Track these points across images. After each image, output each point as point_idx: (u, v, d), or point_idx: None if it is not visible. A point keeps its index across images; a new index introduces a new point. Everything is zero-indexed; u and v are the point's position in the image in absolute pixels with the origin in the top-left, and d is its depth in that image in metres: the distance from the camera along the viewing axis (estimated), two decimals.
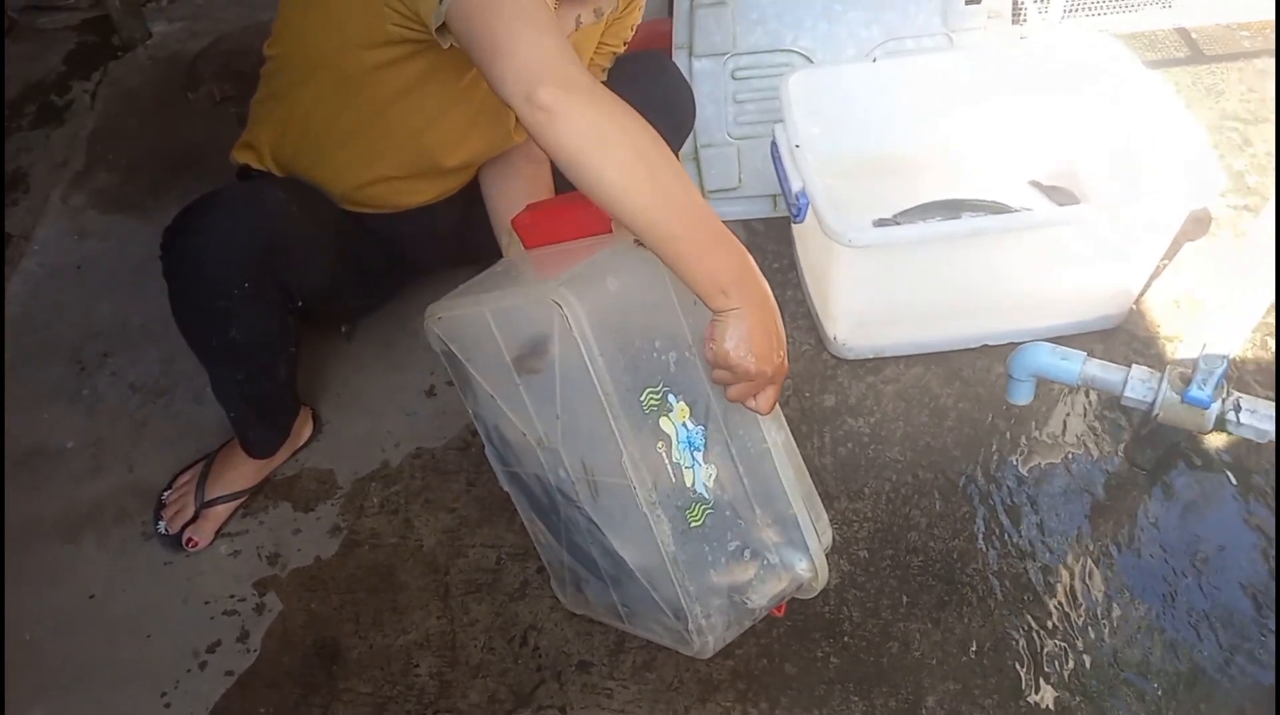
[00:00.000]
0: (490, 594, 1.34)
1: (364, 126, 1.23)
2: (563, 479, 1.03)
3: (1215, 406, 1.09)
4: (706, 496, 0.99)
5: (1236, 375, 1.50)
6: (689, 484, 0.98)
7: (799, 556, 1.05)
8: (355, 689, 1.26)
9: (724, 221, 1.71)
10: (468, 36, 0.95)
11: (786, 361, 0.97)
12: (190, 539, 1.40)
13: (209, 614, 1.35)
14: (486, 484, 1.46)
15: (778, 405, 1.00)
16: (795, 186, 1.40)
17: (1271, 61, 2.08)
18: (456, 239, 1.48)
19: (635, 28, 1.40)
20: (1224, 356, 1.06)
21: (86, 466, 1.54)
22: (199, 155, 2.06)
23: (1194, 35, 2.14)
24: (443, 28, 0.98)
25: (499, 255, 1.60)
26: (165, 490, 1.46)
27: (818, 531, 1.06)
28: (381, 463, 1.50)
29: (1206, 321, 1.27)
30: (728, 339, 0.92)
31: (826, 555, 1.09)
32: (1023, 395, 1.26)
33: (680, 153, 1.60)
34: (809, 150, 1.43)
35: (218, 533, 1.43)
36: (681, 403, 0.97)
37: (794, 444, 1.05)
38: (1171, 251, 1.67)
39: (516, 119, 1.26)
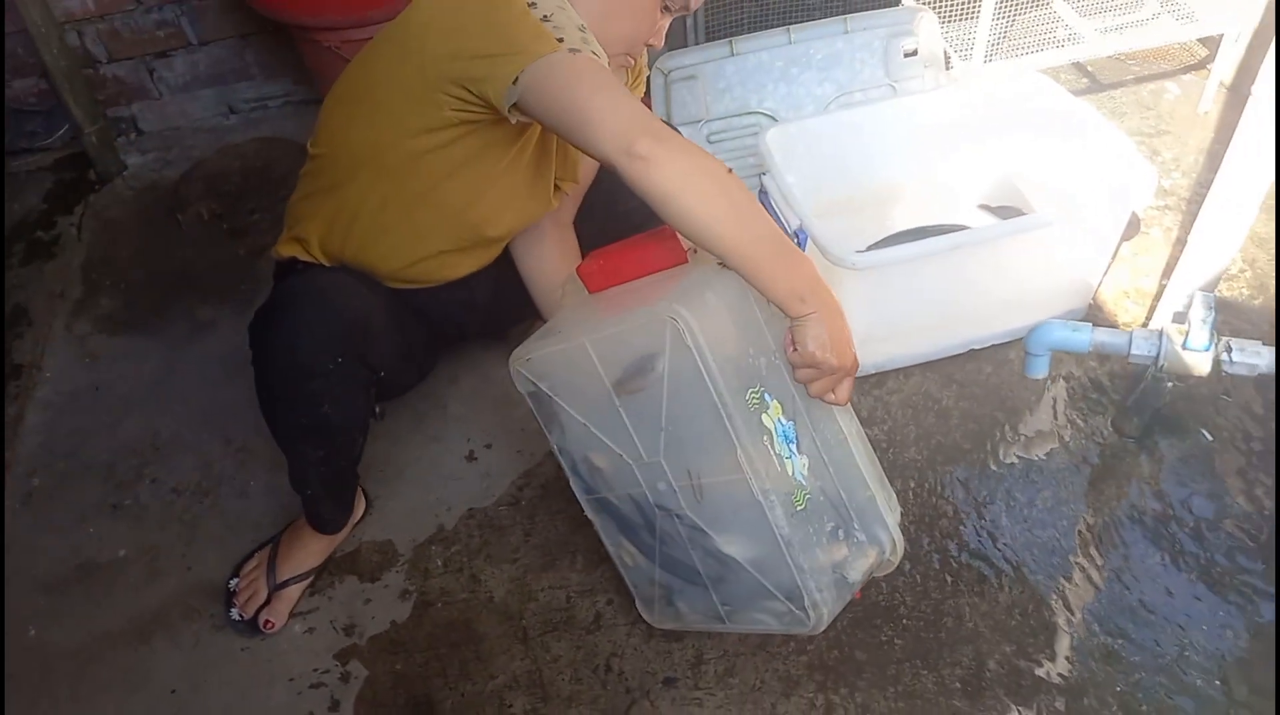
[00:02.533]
0: (567, 630, 1.41)
1: (412, 208, 1.33)
2: (662, 492, 1.14)
3: (1211, 350, 1.26)
4: (804, 483, 1.11)
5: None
6: (790, 473, 1.10)
7: (880, 530, 1.16)
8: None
9: None
10: (548, 113, 1.09)
11: (857, 357, 1.10)
12: (268, 620, 1.44)
13: (296, 689, 1.39)
14: (543, 532, 1.54)
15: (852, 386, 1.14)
16: (793, 224, 1.56)
17: (1164, 82, 2.36)
18: (487, 309, 1.59)
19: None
20: (1211, 303, 1.24)
21: (144, 572, 1.57)
22: (196, 272, 2.14)
23: (1089, 68, 2.41)
24: (513, 107, 1.11)
25: (520, 322, 1.72)
26: (231, 578, 1.51)
27: (891, 509, 1.18)
28: (437, 527, 1.57)
29: (1186, 278, 1.45)
30: (809, 340, 1.06)
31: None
32: (1040, 369, 1.41)
33: None
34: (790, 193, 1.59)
35: (291, 613, 1.47)
36: (775, 401, 1.09)
37: (864, 433, 1.18)
38: (1113, 252, 1.87)
39: (555, 186, 1.40)
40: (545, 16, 1.11)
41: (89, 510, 1.67)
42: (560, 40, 1.09)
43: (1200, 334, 1.24)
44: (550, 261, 1.47)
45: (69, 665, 1.45)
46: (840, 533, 1.14)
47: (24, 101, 2.45)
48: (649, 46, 1.33)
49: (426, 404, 1.77)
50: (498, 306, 1.60)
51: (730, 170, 1.07)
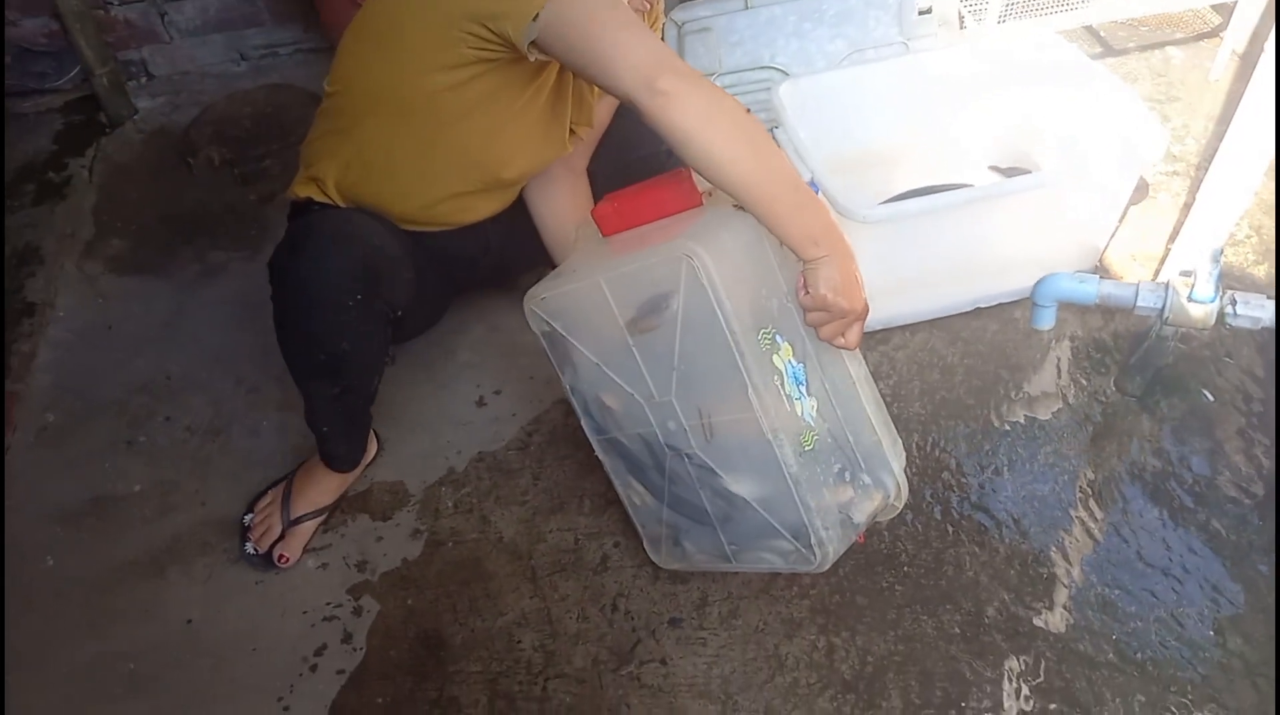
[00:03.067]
0: (575, 571, 1.44)
1: (428, 148, 1.34)
2: (673, 431, 1.16)
3: (1216, 302, 1.28)
4: (813, 425, 1.13)
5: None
6: (799, 414, 1.12)
7: (885, 474, 1.19)
8: (465, 669, 1.34)
9: None
10: (569, 49, 1.09)
11: (868, 302, 1.12)
12: (282, 555, 1.47)
13: (309, 622, 1.42)
14: (551, 476, 1.57)
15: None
16: (805, 177, 1.56)
17: (1175, 49, 2.36)
18: (500, 254, 1.60)
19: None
20: (1217, 256, 1.25)
21: (157, 507, 1.59)
22: (207, 215, 2.15)
23: (1102, 33, 2.41)
24: (532, 44, 1.12)
25: (531, 269, 1.73)
26: (246, 514, 1.53)
27: (897, 455, 1.20)
28: (448, 470, 1.60)
29: (1193, 238, 1.47)
30: (821, 283, 1.08)
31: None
32: (1046, 320, 1.43)
33: None
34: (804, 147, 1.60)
35: (305, 549, 1.50)
36: (786, 342, 1.11)
37: (872, 379, 1.20)
38: (1121, 215, 1.89)
39: (570, 130, 1.41)
40: None
41: (103, 446, 1.69)
42: None
43: (1205, 286, 1.25)
44: (562, 206, 1.48)
45: (85, 594, 1.48)
46: (846, 475, 1.17)
47: (34, 42, 2.43)
48: None
49: (436, 351, 1.79)
50: (510, 252, 1.61)
51: (749, 111, 1.08)
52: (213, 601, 1.46)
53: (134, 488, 1.62)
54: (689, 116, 1.04)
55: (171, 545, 1.54)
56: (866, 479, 1.18)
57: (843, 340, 1.13)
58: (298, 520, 1.49)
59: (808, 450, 1.13)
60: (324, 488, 1.51)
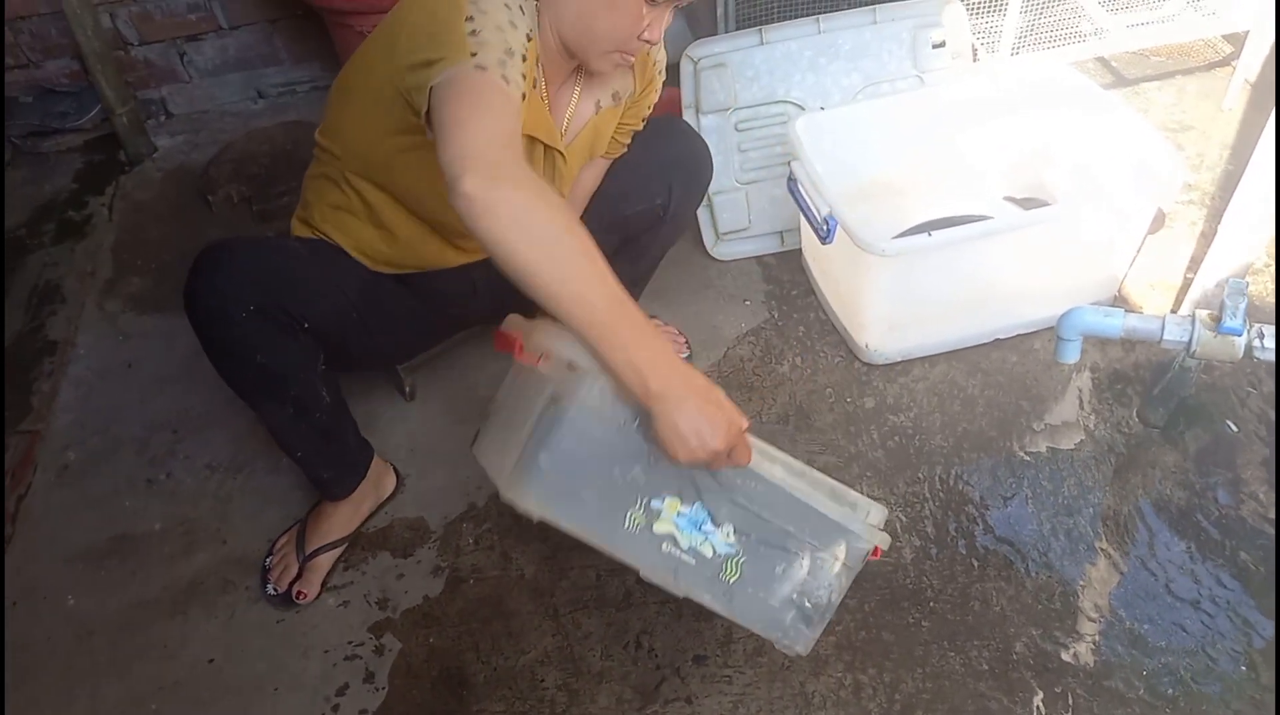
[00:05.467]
0: (598, 608, 1.43)
1: (398, 201, 1.35)
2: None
3: (1244, 335, 1.27)
4: (733, 550, 1.10)
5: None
6: (710, 555, 1.10)
7: (845, 539, 1.13)
8: (488, 708, 1.33)
9: (736, 259, 1.86)
10: (435, 123, 1.03)
11: (740, 416, 1.00)
12: (300, 591, 1.47)
13: (331, 661, 1.41)
14: None
15: (755, 443, 1.06)
16: (823, 211, 1.57)
17: (1187, 78, 2.37)
18: (491, 293, 1.54)
19: (653, 107, 1.50)
20: (1244, 289, 1.25)
21: (179, 545, 1.59)
22: None
23: (1114, 64, 2.42)
24: (426, 117, 1.08)
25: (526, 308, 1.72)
26: (267, 556, 1.53)
27: (860, 512, 1.14)
28: (469, 505, 1.59)
29: (1216, 262, 1.46)
30: (667, 439, 0.97)
31: (888, 527, 1.21)
32: (1071, 354, 1.42)
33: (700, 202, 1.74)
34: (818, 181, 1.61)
35: (324, 585, 1.50)
36: (667, 500, 1.06)
37: (794, 461, 1.12)
38: (1139, 245, 1.89)
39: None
40: (473, 31, 1.06)
41: (123, 484, 1.70)
42: (473, 55, 1.04)
43: (1233, 318, 1.25)
44: None
45: (107, 633, 1.47)
46: (798, 563, 1.13)
47: (56, 82, 2.47)
48: (646, 42, 1.23)
49: (455, 386, 1.79)
50: (503, 289, 1.57)
51: (575, 223, 0.97)
52: (234, 641, 1.46)
53: (155, 526, 1.62)
54: (493, 227, 0.93)
55: (193, 584, 1.53)
56: (824, 555, 1.13)
57: (731, 462, 1.02)
58: (313, 555, 1.49)
59: (734, 581, 1.12)
60: (334, 521, 1.51)
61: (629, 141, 1.52)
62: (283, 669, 1.41)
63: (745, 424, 1.01)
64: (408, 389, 1.77)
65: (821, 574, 1.14)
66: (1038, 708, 1.27)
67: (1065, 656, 1.32)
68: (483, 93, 1.02)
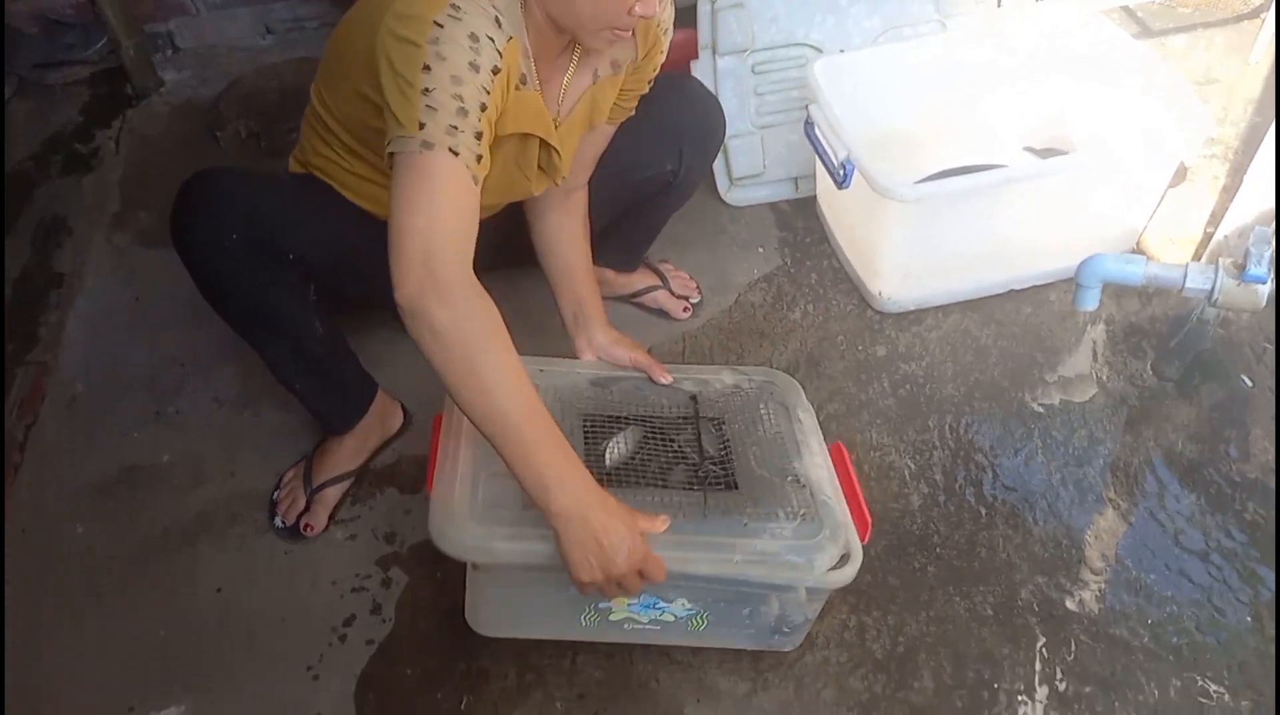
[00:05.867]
0: None
1: (382, 176, 1.29)
2: None
3: (1269, 283, 1.26)
4: (693, 611, 1.17)
5: None
6: (674, 620, 1.19)
7: (810, 575, 1.12)
8: (494, 642, 1.34)
9: (750, 205, 1.84)
10: (391, 185, 1.03)
11: (638, 542, 1.01)
12: (307, 524, 1.47)
13: (338, 593, 1.42)
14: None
15: (677, 540, 1.07)
16: (840, 155, 1.55)
17: (1214, 30, 2.32)
18: (496, 247, 1.53)
19: (659, 69, 1.39)
20: (1269, 237, 1.23)
21: (188, 478, 1.60)
22: None
23: (1140, 14, 2.37)
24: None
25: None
26: (274, 490, 1.53)
27: (816, 557, 1.11)
28: None
29: (1241, 212, 1.44)
30: (565, 561, 1.02)
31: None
32: (1090, 302, 1.41)
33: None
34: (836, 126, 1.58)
35: (331, 519, 1.50)
36: (614, 600, 1.12)
37: (726, 534, 1.11)
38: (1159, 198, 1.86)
39: (530, 178, 1.33)
40: (426, 89, 1.01)
41: (132, 418, 1.70)
42: (422, 127, 1.01)
43: (1259, 266, 1.23)
44: (550, 220, 1.44)
45: (116, 562, 1.48)
46: (763, 607, 1.17)
47: (61, 13, 2.43)
48: (639, 16, 1.11)
49: None
50: (513, 242, 1.56)
51: (496, 337, 1.02)
52: (243, 572, 1.46)
53: (163, 459, 1.63)
54: (418, 335, 1.01)
55: (201, 516, 1.54)
56: (787, 595, 1.15)
57: (640, 580, 1.03)
58: (319, 487, 1.49)
59: (704, 630, 1.20)
60: (340, 456, 1.51)
61: (633, 105, 1.42)
62: (290, 599, 1.42)
63: (643, 550, 1.03)
64: None
65: (790, 603, 1.17)
66: (1040, 653, 1.27)
67: (1070, 604, 1.32)
68: (426, 178, 1.01)
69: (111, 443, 1.65)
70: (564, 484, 1.01)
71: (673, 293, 1.77)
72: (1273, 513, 1.39)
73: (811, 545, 1.11)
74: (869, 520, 1.18)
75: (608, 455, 1.24)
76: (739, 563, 1.09)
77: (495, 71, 1.05)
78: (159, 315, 1.88)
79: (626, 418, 1.30)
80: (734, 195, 1.96)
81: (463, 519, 1.07)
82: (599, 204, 1.50)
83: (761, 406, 1.33)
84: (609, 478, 1.20)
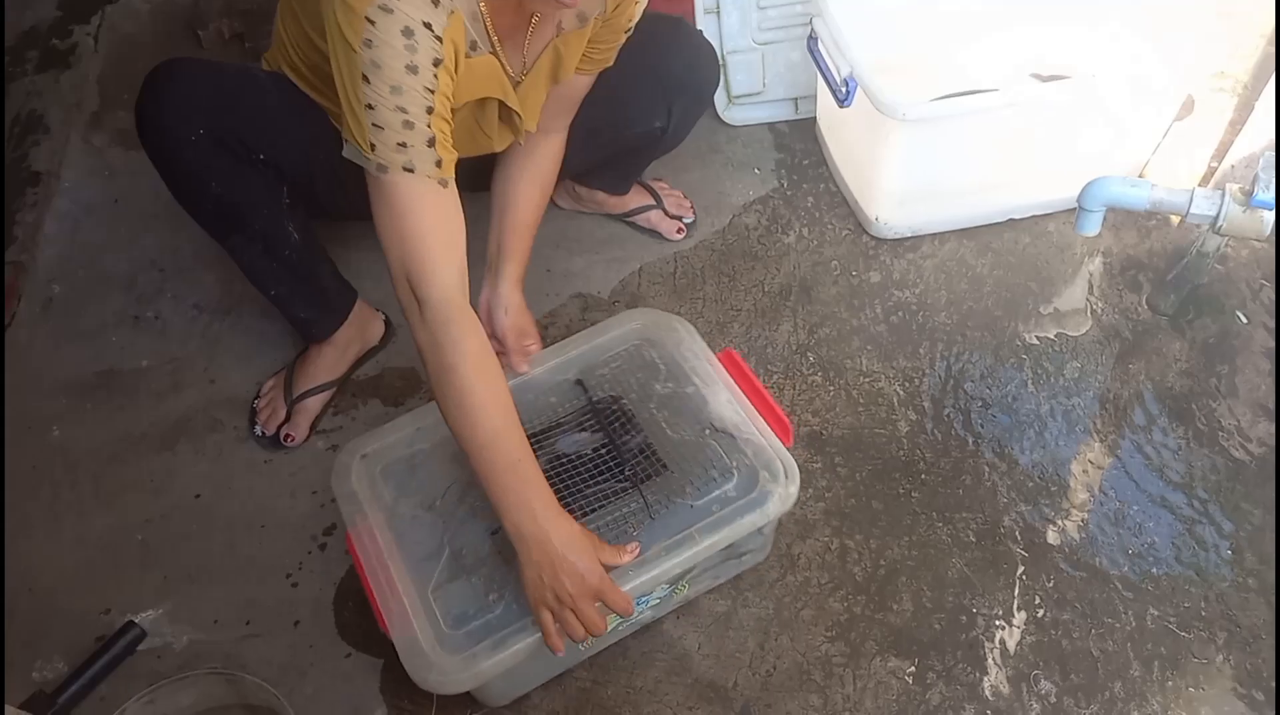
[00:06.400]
0: None
1: None
2: None
3: (1275, 211, 1.23)
4: (679, 585, 1.20)
5: None
6: (658, 601, 1.20)
7: (759, 522, 1.14)
8: None
9: (748, 125, 1.81)
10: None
11: (588, 572, 1.01)
12: (288, 434, 1.46)
13: (319, 502, 1.41)
14: None
15: (628, 601, 1.05)
16: (844, 72, 1.50)
17: None
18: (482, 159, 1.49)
19: (635, 20, 1.27)
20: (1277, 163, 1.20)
21: (167, 383, 1.57)
22: None
23: None
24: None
25: None
26: (255, 398, 1.51)
27: (758, 498, 1.13)
28: None
29: (1250, 139, 1.41)
30: (523, 583, 1.02)
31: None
32: (1092, 226, 1.38)
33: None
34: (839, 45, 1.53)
35: (312, 429, 1.48)
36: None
37: (682, 541, 1.11)
38: (1165, 129, 1.82)
39: (492, 135, 1.28)
40: (370, 105, 0.97)
41: (110, 320, 1.67)
42: (373, 148, 0.99)
43: (1266, 191, 1.20)
44: (508, 166, 1.36)
45: (93, 464, 1.47)
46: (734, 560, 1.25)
47: None
48: None
49: None
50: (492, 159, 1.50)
51: (480, 364, 1.03)
52: (222, 478, 1.45)
53: (142, 363, 1.60)
54: (420, 348, 1.05)
55: (180, 421, 1.52)
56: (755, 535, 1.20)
57: (576, 621, 1.02)
58: (300, 397, 1.47)
59: (688, 591, 1.23)
60: (320, 365, 1.49)
61: (607, 58, 1.31)
62: (270, 507, 1.41)
63: (598, 580, 1.02)
64: None
65: (752, 540, 1.21)
66: (1020, 579, 1.28)
67: (1052, 533, 1.32)
68: (390, 201, 1.01)
69: (89, 346, 1.63)
70: (527, 507, 1.01)
71: (666, 213, 1.73)
72: (1264, 452, 1.38)
73: (758, 495, 1.13)
74: (788, 424, 1.18)
75: None
76: (702, 546, 1.10)
77: (437, 64, 0.99)
78: (138, 218, 1.83)
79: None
80: (732, 114, 1.91)
81: (436, 655, 1.03)
82: (586, 153, 1.45)
83: (646, 358, 1.28)
84: None
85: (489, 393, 1.03)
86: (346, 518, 1.15)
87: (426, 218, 1.02)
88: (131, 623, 1.29)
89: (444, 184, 1.03)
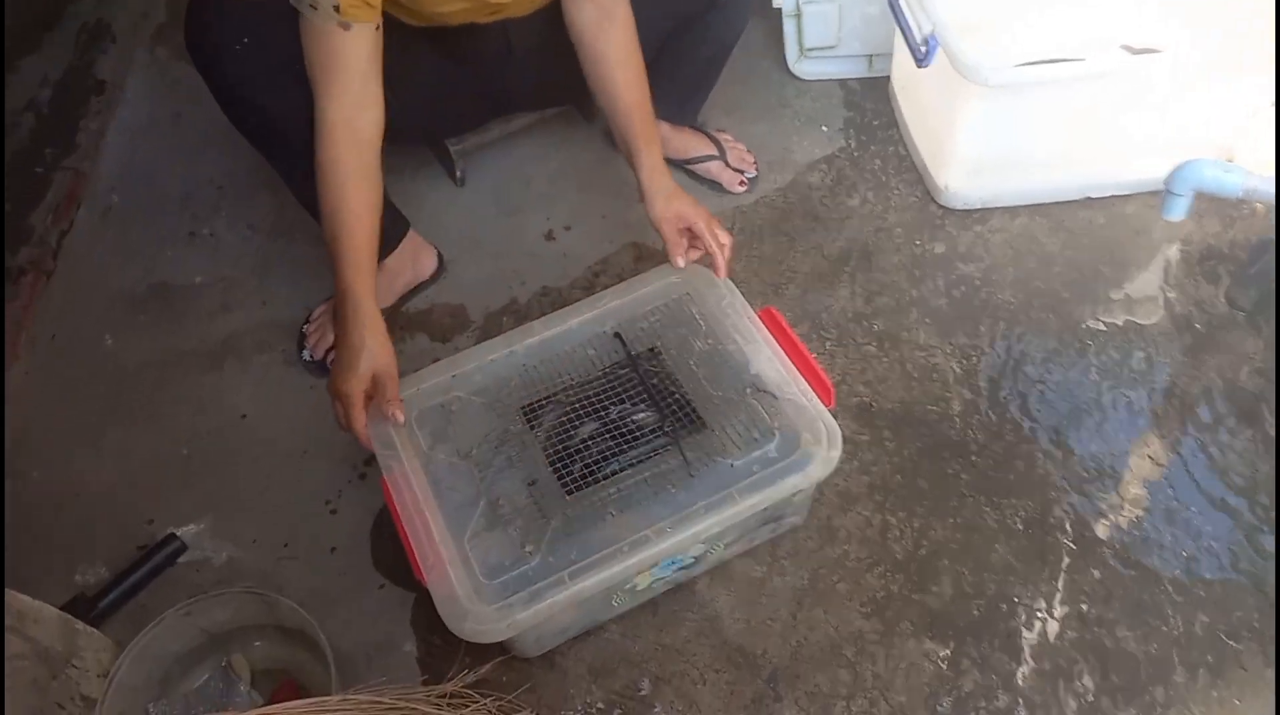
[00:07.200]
0: None
1: None
2: None
3: None
4: (715, 544, 1.19)
5: None
6: (694, 560, 1.19)
7: (799, 485, 1.11)
8: None
9: (818, 80, 1.79)
10: None
11: (334, 387, 1.13)
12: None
13: None
14: None
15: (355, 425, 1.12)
16: (925, 29, 1.43)
17: None
18: (536, 63, 1.45)
19: None
20: None
21: (218, 302, 1.58)
22: None
23: None
24: None
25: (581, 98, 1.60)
26: (304, 323, 1.51)
27: (799, 460, 1.10)
28: (510, 299, 1.55)
29: None
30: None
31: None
32: (1179, 211, 1.32)
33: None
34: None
35: None
36: (637, 577, 1.14)
37: (722, 501, 1.08)
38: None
39: None
40: None
41: (165, 234, 1.67)
42: None
43: None
44: (590, 57, 1.32)
45: (142, 377, 1.48)
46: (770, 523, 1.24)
47: None
48: None
49: (510, 177, 1.71)
50: (546, 63, 1.45)
51: (349, 189, 1.16)
52: (268, 400, 1.46)
53: (195, 279, 1.60)
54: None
55: (229, 340, 1.53)
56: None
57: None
58: None
59: (724, 551, 1.23)
60: None
61: None
62: (313, 433, 1.41)
63: (340, 396, 1.11)
64: (459, 173, 1.69)
65: (796, 504, 1.21)
66: (1067, 572, 1.24)
67: (1104, 527, 1.28)
68: (316, 48, 1.13)
69: (144, 258, 1.63)
70: (343, 304, 1.13)
71: (728, 164, 1.69)
72: None
73: (800, 457, 1.09)
74: (829, 385, 1.14)
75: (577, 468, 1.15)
76: (742, 506, 1.07)
77: None
78: (199, 135, 1.83)
79: (561, 396, 1.20)
80: (802, 67, 1.85)
81: (472, 604, 1.02)
82: (645, 30, 1.37)
83: (686, 313, 1.24)
84: (597, 480, 1.13)
85: (342, 175, 1.14)
86: (382, 463, 1.14)
87: (318, 51, 1.14)
88: (173, 535, 1.31)
89: (345, 27, 1.11)
